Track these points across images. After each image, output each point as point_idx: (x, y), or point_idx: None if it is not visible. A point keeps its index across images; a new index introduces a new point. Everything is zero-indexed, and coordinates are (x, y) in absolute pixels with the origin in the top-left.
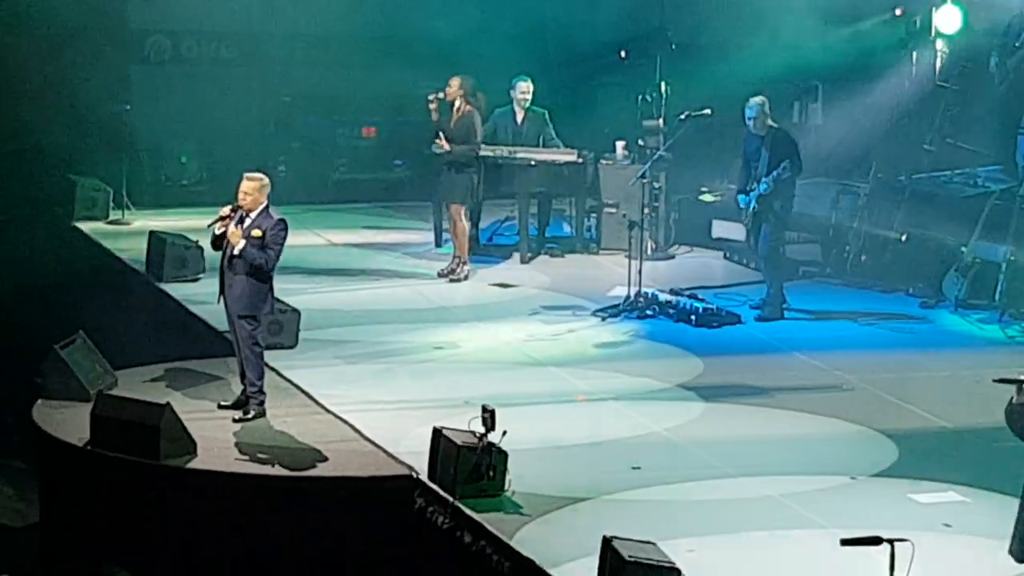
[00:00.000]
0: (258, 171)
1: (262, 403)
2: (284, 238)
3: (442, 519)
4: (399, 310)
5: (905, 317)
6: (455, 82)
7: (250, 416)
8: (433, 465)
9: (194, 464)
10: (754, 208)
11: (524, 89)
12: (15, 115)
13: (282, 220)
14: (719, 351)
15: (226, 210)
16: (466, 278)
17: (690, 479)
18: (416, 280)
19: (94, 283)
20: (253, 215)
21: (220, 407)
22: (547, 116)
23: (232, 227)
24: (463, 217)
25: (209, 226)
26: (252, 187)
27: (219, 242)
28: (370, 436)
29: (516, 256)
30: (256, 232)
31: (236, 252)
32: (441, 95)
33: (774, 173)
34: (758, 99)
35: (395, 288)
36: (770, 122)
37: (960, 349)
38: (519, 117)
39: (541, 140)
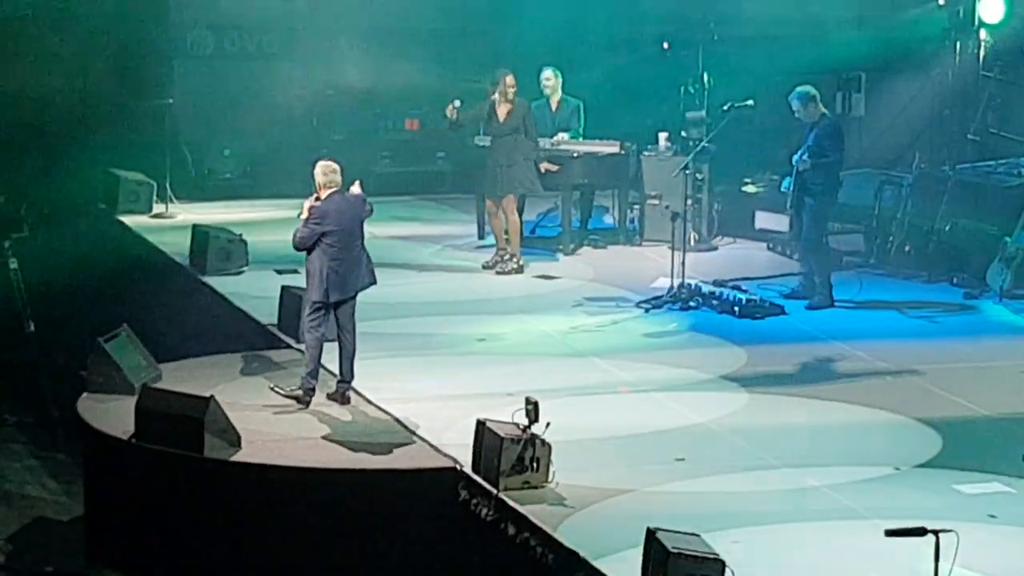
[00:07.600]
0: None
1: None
2: (317, 223)
3: (486, 511)
4: (442, 302)
5: (949, 307)
6: (510, 79)
7: (285, 392)
8: (477, 457)
9: (238, 457)
10: (794, 191)
11: (544, 77)
12: (58, 110)
13: (322, 209)
14: (762, 342)
15: (311, 200)
16: (520, 271)
17: (734, 470)
18: (459, 272)
19: (138, 277)
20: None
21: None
22: (580, 108)
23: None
24: (514, 210)
25: (298, 216)
26: (328, 168)
27: None
28: (414, 428)
29: (559, 248)
30: (307, 204)
31: None
32: (459, 103)
33: (803, 148)
34: (801, 88)
35: (438, 280)
36: (821, 109)
37: (1005, 339)
38: (552, 107)
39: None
